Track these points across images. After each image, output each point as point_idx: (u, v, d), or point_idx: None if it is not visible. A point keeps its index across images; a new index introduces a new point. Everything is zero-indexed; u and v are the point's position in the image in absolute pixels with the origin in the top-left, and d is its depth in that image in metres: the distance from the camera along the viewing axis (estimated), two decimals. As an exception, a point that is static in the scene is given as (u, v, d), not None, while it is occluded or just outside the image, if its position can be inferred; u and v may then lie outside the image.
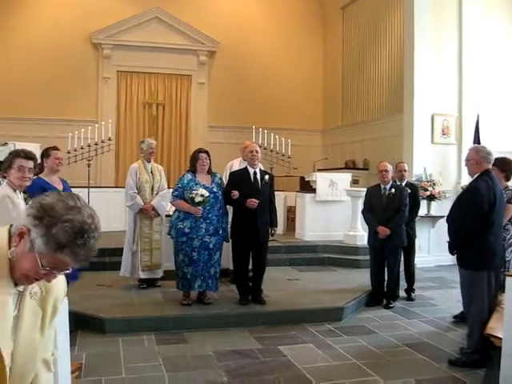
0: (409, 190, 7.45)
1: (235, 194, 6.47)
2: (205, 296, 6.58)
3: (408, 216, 7.31)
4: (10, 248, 1.74)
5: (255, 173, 6.71)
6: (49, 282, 1.84)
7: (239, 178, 6.69)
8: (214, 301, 6.64)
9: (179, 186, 6.51)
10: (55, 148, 5.61)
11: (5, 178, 4.40)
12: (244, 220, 6.51)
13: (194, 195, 6.22)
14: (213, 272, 6.46)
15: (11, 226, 1.80)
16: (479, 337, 4.78)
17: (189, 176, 6.53)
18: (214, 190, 6.45)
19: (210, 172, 6.62)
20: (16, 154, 4.41)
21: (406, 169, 7.83)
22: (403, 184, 7.59)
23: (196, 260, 6.34)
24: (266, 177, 6.71)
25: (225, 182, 6.90)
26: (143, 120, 15.42)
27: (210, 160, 6.60)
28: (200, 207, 6.28)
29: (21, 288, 1.82)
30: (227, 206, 6.71)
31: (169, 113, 15.62)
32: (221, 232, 6.49)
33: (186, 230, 6.35)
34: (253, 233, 6.52)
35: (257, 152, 6.77)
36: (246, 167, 6.84)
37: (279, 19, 15.93)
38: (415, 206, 7.66)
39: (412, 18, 10.49)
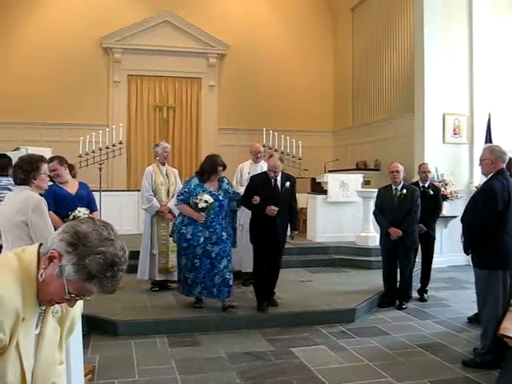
0: (431, 192, 7.47)
1: (256, 199, 6.28)
2: (224, 304, 6.36)
3: (431, 218, 7.32)
4: (38, 269, 1.76)
5: (275, 179, 6.50)
6: (71, 307, 1.88)
7: (259, 183, 6.48)
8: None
9: (185, 190, 6.34)
10: (48, 161, 5.36)
11: (26, 184, 4.34)
12: (263, 226, 6.38)
13: (197, 201, 6.07)
14: (219, 281, 6.22)
15: (40, 245, 1.81)
16: (493, 337, 4.74)
17: (196, 181, 6.33)
18: (220, 197, 6.27)
19: (218, 178, 6.45)
20: (40, 159, 4.43)
21: (430, 170, 7.89)
22: (426, 185, 7.59)
23: (198, 267, 6.22)
24: (287, 184, 6.50)
25: (234, 185, 6.91)
26: (154, 123, 15.45)
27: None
28: (203, 214, 6.13)
29: (43, 307, 1.85)
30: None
31: (179, 116, 15.64)
32: (225, 238, 6.31)
33: (188, 236, 6.23)
34: (272, 240, 6.40)
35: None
36: (266, 172, 6.63)
37: (289, 21, 15.91)
38: (437, 208, 7.66)
39: (422, 17, 10.46)
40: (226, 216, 6.37)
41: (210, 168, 6.32)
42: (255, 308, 6.45)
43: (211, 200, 6.06)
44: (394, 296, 7.18)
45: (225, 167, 6.43)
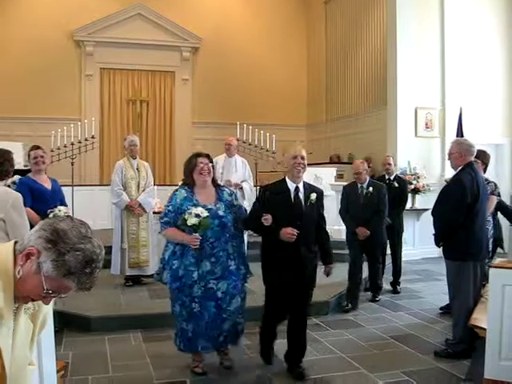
0: (396, 184, 7.46)
1: (268, 218, 4.37)
2: (225, 355, 4.83)
3: (395, 210, 7.30)
4: (15, 267, 1.74)
5: (297, 189, 4.61)
6: (46, 305, 1.87)
7: (272, 196, 4.60)
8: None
9: (169, 208, 4.56)
10: (34, 147, 5.56)
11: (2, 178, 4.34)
12: (279, 258, 4.55)
13: (186, 216, 4.33)
14: (227, 328, 4.61)
15: (15, 242, 1.80)
16: (464, 327, 4.82)
17: (183, 192, 4.58)
18: (220, 213, 4.51)
19: (215, 185, 4.73)
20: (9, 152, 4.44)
21: (391, 162, 7.81)
22: (391, 178, 7.58)
23: (197, 314, 4.50)
24: (313, 196, 4.58)
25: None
26: (127, 117, 15.31)
27: (213, 167, 4.68)
28: (197, 234, 4.36)
29: (16, 304, 1.84)
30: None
31: (153, 110, 15.52)
32: (234, 269, 4.59)
33: (180, 273, 4.47)
34: (293, 276, 4.56)
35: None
36: (284, 180, 4.68)
37: (262, 15, 15.88)
38: (402, 201, 7.65)
39: (394, 11, 10.54)
40: (232, 238, 4.63)
41: (189, 163, 4.65)
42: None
43: (205, 213, 4.31)
44: (356, 297, 6.87)
45: (210, 158, 4.65)
